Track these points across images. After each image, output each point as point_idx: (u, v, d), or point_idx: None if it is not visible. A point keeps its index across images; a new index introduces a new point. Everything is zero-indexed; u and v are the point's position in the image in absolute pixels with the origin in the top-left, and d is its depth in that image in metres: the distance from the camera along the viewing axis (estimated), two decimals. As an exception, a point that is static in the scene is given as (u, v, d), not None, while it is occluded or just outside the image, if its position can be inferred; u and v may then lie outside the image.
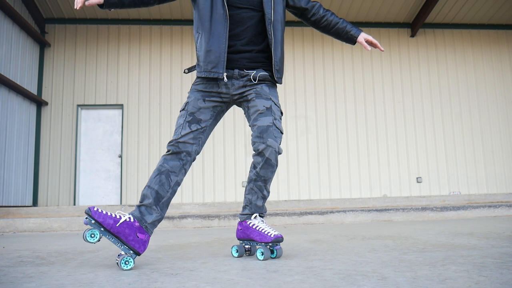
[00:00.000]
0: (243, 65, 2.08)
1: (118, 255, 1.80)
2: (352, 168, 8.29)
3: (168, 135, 8.09)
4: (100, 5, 2.00)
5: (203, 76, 2.04)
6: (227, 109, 2.21)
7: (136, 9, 8.09)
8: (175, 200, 7.86)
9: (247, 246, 2.12)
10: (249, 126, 2.10)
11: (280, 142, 2.05)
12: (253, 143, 2.03)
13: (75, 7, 1.93)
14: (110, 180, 7.99)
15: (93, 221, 1.75)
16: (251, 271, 1.62)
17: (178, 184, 2.00)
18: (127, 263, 1.75)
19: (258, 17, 2.10)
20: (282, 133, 2.06)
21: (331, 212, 5.02)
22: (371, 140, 8.42)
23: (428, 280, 1.34)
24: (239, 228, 2.14)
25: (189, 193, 7.93)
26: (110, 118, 8.19)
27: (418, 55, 8.81)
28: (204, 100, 2.05)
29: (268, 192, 2.12)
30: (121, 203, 7.78)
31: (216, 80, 2.06)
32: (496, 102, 8.80)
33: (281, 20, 2.16)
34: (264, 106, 2.04)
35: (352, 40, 2.24)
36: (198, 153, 2.07)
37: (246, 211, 2.12)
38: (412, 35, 8.80)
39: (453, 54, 8.89)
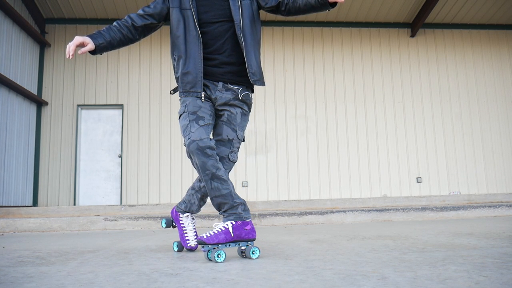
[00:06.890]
0: (228, 79, 2.17)
1: (241, 251, 2.05)
2: (352, 168, 8.29)
3: (168, 135, 8.08)
4: (92, 51, 2.11)
5: (183, 96, 2.15)
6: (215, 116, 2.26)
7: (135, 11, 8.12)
8: (175, 200, 7.86)
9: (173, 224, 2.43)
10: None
11: (230, 170, 2.25)
12: None
13: (67, 57, 2.04)
14: (110, 180, 7.99)
15: (209, 246, 1.93)
16: (251, 271, 1.62)
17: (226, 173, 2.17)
18: (254, 252, 2.01)
19: (234, 27, 2.16)
20: (234, 162, 2.25)
21: (331, 212, 5.02)
22: (371, 140, 8.42)
23: (428, 280, 1.34)
24: (174, 212, 2.40)
25: (189, 193, 7.91)
26: (110, 118, 8.19)
27: (418, 55, 8.81)
28: (202, 101, 2.14)
29: (204, 203, 2.36)
30: (121, 203, 7.78)
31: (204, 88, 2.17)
32: (496, 102, 8.80)
33: (251, 23, 2.19)
34: (227, 136, 2.19)
35: (325, 5, 2.08)
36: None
37: (182, 207, 2.36)
38: (412, 35, 8.80)
39: (453, 54, 8.89)
